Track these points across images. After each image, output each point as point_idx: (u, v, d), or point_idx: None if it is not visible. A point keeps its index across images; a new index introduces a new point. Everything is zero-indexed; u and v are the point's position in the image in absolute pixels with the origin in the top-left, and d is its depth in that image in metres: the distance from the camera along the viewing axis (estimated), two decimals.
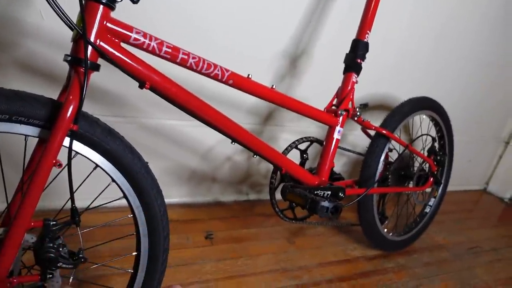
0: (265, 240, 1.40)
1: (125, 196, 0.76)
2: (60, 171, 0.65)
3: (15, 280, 0.63)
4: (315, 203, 0.95)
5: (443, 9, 1.71)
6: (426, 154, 1.50)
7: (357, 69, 1.16)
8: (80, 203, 0.71)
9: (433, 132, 1.55)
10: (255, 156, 1.00)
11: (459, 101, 2.03)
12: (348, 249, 1.45)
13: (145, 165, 0.77)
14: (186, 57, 0.77)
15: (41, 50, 1.10)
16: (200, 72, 0.81)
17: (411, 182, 1.43)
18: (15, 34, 1.06)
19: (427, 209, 1.60)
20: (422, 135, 1.48)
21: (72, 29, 0.65)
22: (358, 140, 1.72)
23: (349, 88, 1.16)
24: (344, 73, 1.18)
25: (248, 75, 0.91)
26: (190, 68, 0.79)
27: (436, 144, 1.53)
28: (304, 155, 1.18)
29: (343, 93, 1.16)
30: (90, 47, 0.65)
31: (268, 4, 1.33)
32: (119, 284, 1.02)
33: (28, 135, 0.64)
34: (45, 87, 1.14)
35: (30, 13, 1.05)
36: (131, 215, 0.78)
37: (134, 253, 0.81)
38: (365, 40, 1.15)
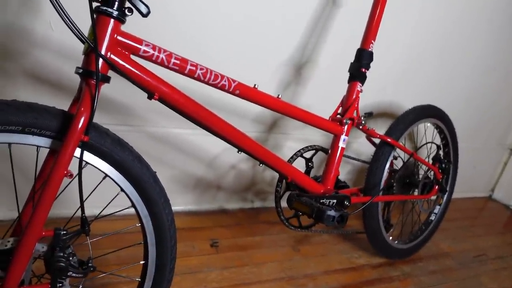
0: (270, 248, 1.40)
1: (133, 205, 0.77)
2: (71, 181, 0.67)
3: None
4: (321, 212, 0.95)
5: (448, 18, 1.72)
6: (431, 162, 1.50)
7: (362, 78, 1.17)
8: (89, 211, 0.72)
9: (438, 140, 1.55)
10: (261, 165, 1.01)
11: (464, 108, 2.04)
12: (353, 257, 1.45)
13: (153, 175, 0.78)
14: (194, 68, 0.79)
15: (50, 60, 1.12)
16: (207, 83, 0.82)
17: (416, 190, 1.43)
18: (24, 44, 1.08)
19: (432, 217, 1.59)
20: (427, 143, 1.48)
21: (83, 42, 0.66)
22: (363, 148, 1.73)
23: (354, 97, 1.17)
24: (348, 82, 1.19)
25: (255, 85, 0.93)
26: (197, 79, 0.81)
27: (441, 152, 1.54)
28: (310, 164, 1.19)
29: (348, 102, 1.17)
30: (101, 60, 0.66)
31: (273, 15, 1.35)
32: None
33: (40, 146, 0.66)
34: (53, 96, 1.16)
35: (39, 23, 1.07)
36: (139, 224, 0.79)
37: (142, 262, 0.82)
38: (370, 49, 1.16)
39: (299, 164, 1.15)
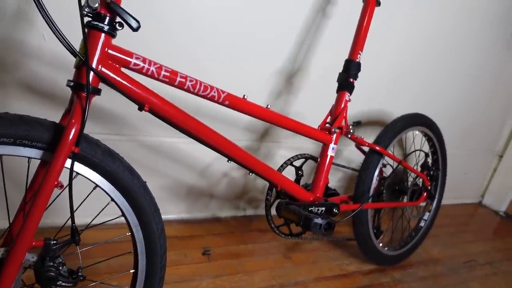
0: (261, 256, 1.41)
1: (123, 215, 0.78)
2: (61, 192, 0.68)
3: None
4: (308, 220, 0.97)
5: (437, 27, 1.76)
6: (419, 169, 1.52)
7: (350, 88, 1.19)
8: (79, 220, 0.73)
9: (426, 148, 1.58)
10: (250, 173, 1.02)
11: (454, 115, 2.07)
12: (344, 263, 1.47)
13: (143, 185, 0.79)
14: (183, 80, 0.81)
15: (43, 71, 1.13)
16: (197, 94, 0.84)
17: (405, 197, 1.45)
18: (18, 55, 1.09)
19: (422, 223, 1.62)
20: (415, 150, 1.51)
21: (75, 56, 0.68)
22: (353, 155, 1.75)
23: (342, 106, 1.19)
24: (337, 91, 1.21)
25: (244, 95, 0.95)
26: (187, 90, 0.82)
27: (429, 159, 1.56)
28: (299, 172, 1.20)
29: (337, 111, 1.19)
30: (92, 73, 0.68)
31: (264, 24, 1.38)
32: None
33: (31, 157, 0.67)
34: (47, 107, 1.17)
35: (33, 35, 1.09)
36: (129, 233, 0.80)
37: (132, 271, 0.83)
38: (357, 60, 1.19)
39: (290, 173, 1.17)
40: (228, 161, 0.97)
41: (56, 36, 0.64)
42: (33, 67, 1.12)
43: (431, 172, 1.53)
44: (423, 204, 1.58)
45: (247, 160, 0.98)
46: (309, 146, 1.67)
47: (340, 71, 1.21)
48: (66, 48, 0.66)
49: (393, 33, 1.66)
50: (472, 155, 2.32)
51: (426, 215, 1.62)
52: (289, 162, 1.18)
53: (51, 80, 1.15)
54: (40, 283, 0.65)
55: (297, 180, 1.20)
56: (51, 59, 1.13)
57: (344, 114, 1.19)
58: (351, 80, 1.19)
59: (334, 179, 1.85)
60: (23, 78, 1.12)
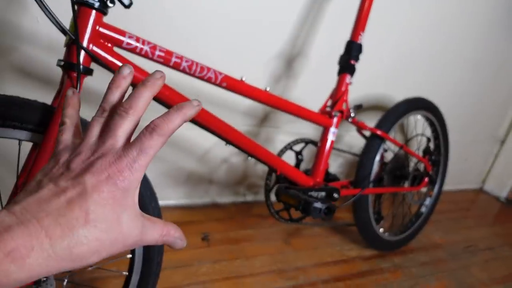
0: (261, 241, 1.41)
1: None
2: None
3: None
4: (308, 204, 0.95)
5: (440, 9, 1.72)
6: (421, 154, 1.50)
7: (351, 71, 1.17)
8: None
9: (428, 132, 1.55)
10: (250, 158, 1.01)
11: (455, 100, 2.04)
12: (344, 249, 1.46)
13: None
14: (179, 60, 0.78)
15: (37, 54, 1.10)
16: (193, 75, 0.82)
17: (407, 182, 1.44)
18: (11, 39, 1.06)
19: (423, 209, 1.60)
20: (416, 135, 1.49)
21: (65, 34, 0.65)
22: (355, 140, 1.73)
23: (343, 89, 1.16)
24: (338, 74, 1.19)
25: (242, 77, 0.92)
26: (183, 71, 0.80)
27: (431, 144, 1.54)
28: (299, 156, 1.18)
29: (337, 95, 1.17)
30: (82, 52, 0.65)
31: (263, 6, 1.34)
32: (115, 287, 1.03)
33: (22, 140, 0.65)
34: (42, 90, 1.15)
35: (26, 17, 1.06)
36: None
37: (129, 256, 0.81)
38: (359, 41, 1.16)
39: (290, 157, 1.15)
40: (226, 144, 0.95)
41: (44, 12, 0.61)
42: (27, 50, 1.09)
43: (433, 157, 1.51)
44: (424, 190, 1.56)
45: (245, 143, 0.96)
46: (309, 131, 1.64)
47: (341, 54, 1.18)
48: (55, 25, 0.63)
49: (396, 15, 1.62)
50: (474, 141, 2.30)
51: (427, 201, 1.61)
52: (289, 146, 1.16)
53: (46, 63, 1.12)
54: None
55: (297, 165, 1.18)
56: (45, 42, 1.10)
57: (345, 98, 1.17)
58: (352, 62, 1.16)
59: (335, 165, 1.83)
60: (16, 62, 1.09)
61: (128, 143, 0.35)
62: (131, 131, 0.37)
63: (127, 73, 0.39)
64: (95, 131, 0.36)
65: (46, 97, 0.69)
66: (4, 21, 1.04)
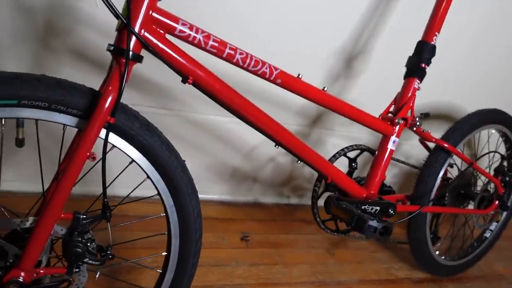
0: (303, 248, 1.33)
1: (159, 194, 0.73)
2: (95, 164, 0.63)
3: (41, 271, 0.62)
4: (362, 222, 0.86)
5: None
6: (492, 173, 1.34)
7: (421, 75, 1.05)
8: (112, 191, 0.68)
9: (502, 150, 1.38)
10: (299, 162, 0.93)
11: None
12: (392, 268, 1.34)
13: (182, 164, 0.73)
14: (233, 52, 0.72)
15: (93, 38, 1.11)
16: (246, 69, 0.76)
17: (471, 203, 1.28)
18: (70, 22, 1.07)
19: (487, 234, 1.43)
20: (489, 152, 1.32)
21: (117, 18, 0.62)
22: (414, 150, 1.59)
23: (409, 94, 1.05)
24: (405, 78, 1.07)
25: (299, 74, 0.85)
26: (236, 64, 0.74)
27: (505, 163, 1.37)
28: (353, 164, 1.09)
29: (403, 100, 1.05)
30: (134, 38, 0.62)
31: (327, 2, 1.25)
32: (147, 283, 1.00)
33: (66, 125, 0.63)
34: (95, 74, 1.15)
35: (85, 1, 1.06)
36: (164, 214, 0.75)
37: (164, 253, 0.78)
38: (433, 42, 1.04)
39: (341, 164, 1.06)
40: (275, 146, 0.88)
41: None
42: (83, 33, 1.10)
43: (506, 178, 1.34)
44: (491, 213, 1.39)
45: (297, 146, 0.89)
46: (365, 136, 1.53)
47: (410, 55, 1.06)
48: (108, 8, 0.60)
49: (472, 12, 1.44)
50: None
51: (494, 225, 1.43)
52: (343, 152, 1.07)
53: (100, 47, 1.12)
54: (67, 258, 0.62)
55: (350, 173, 1.08)
56: (102, 27, 1.10)
57: (411, 104, 1.05)
58: (423, 65, 1.04)
59: (388, 175, 1.69)
60: (73, 44, 1.10)
61: None
62: None
63: None
64: None
65: (98, 81, 0.67)
66: (64, 3, 1.04)
